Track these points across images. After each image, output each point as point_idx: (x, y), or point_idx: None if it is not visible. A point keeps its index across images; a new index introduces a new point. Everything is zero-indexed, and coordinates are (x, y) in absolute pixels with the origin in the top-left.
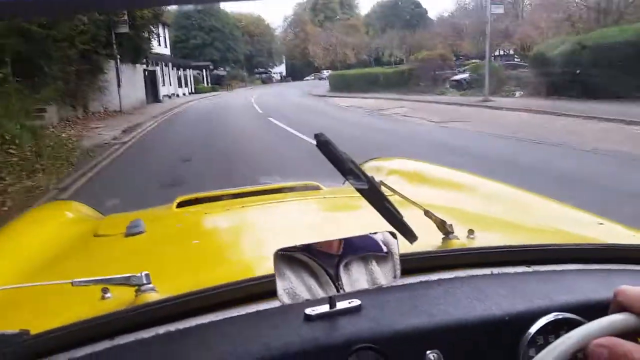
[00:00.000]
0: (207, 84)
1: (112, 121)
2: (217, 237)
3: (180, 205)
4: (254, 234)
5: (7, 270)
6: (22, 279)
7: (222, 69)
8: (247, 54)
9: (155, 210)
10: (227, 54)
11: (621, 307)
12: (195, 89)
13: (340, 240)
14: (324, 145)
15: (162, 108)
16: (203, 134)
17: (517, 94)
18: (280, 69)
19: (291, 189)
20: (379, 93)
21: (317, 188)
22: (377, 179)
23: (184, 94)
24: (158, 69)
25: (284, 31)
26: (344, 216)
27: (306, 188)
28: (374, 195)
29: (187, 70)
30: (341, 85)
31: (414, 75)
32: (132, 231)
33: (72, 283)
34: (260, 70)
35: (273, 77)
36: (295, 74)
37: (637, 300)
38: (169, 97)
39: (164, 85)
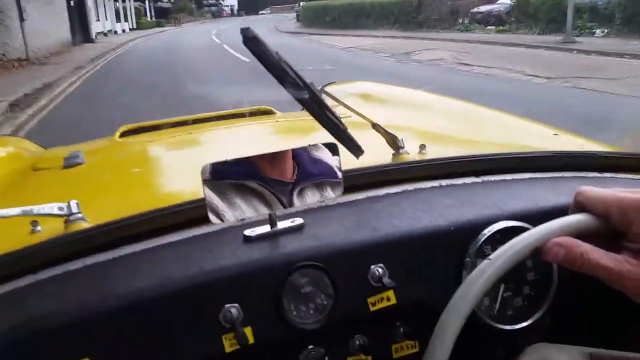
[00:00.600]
0: (151, 18)
1: (4, 79)
2: (159, 164)
3: (123, 135)
4: (199, 159)
5: None
6: None
7: (166, 0)
8: None
9: (97, 141)
10: None
11: (581, 208)
12: (136, 23)
13: (298, 149)
14: (252, 42)
15: (94, 51)
16: (162, 102)
17: (598, 31)
18: (230, 1)
19: (243, 115)
20: (373, 30)
21: (271, 112)
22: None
23: (123, 31)
24: None
25: None
26: (296, 139)
27: (259, 113)
28: (315, 104)
29: (127, 1)
30: (318, 20)
31: (423, 4)
32: (70, 162)
33: None
34: (210, 2)
35: (224, 10)
36: (247, 7)
37: (597, 201)
38: (105, 34)
39: (98, 20)
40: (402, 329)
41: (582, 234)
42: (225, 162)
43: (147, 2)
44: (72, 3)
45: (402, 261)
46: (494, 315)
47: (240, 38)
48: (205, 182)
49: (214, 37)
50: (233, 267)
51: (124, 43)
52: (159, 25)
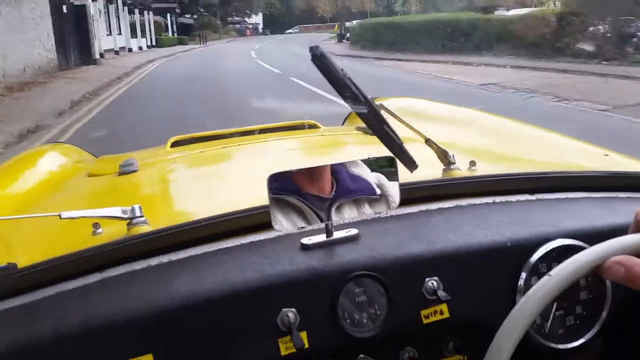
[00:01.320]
0: (172, 34)
1: None
2: (211, 172)
3: (174, 145)
4: (249, 169)
5: None
6: (12, 214)
7: (188, 16)
8: None
9: (149, 150)
10: None
11: None
12: (156, 40)
13: (337, 165)
14: (319, 60)
15: (92, 80)
16: None
17: None
18: (256, 19)
19: (288, 128)
20: (474, 56)
21: (315, 127)
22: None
23: (140, 48)
24: (91, 3)
25: None
26: (342, 152)
27: (304, 127)
28: (374, 118)
29: (146, 13)
30: (378, 41)
31: (567, 25)
32: (125, 169)
33: (59, 216)
34: (236, 19)
35: (248, 29)
36: (272, 26)
37: None
38: (116, 52)
39: (109, 34)
40: (452, 344)
41: None
42: (288, 172)
43: (168, 17)
44: (64, 9)
45: (457, 275)
46: (545, 333)
47: (301, 66)
48: (269, 190)
49: (261, 63)
50: (291, 273)
51: (139, 67)
52: (181, 42)
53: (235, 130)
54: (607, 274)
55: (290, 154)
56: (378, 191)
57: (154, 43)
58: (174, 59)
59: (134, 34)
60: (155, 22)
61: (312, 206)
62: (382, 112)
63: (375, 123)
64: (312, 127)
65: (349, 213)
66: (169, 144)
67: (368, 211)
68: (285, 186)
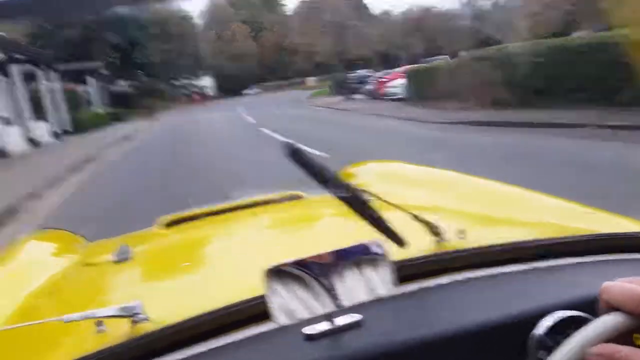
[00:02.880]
0: (104, 106)
1: None
2: (205, 257)
3: (165, 226)
4: (243, 251)
5: None
6: (14, 317)
7: (121, 81)
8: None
9: (140, 233)
10: (132, 52)
11: (609, 306)
12: (73, 121)
13: (332, 252)
14: (295, 155)
15: None
16: None
17: None
18: (205, 81)
19: (274, 201)
20: None
21: (300, 197)
22: (359, 181)
23: (37, 142)
24: None
25: (202, 30)
26: (331, 224)
27: (290, 198)
28: (356, 202)
29: (51, 76)
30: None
31: None
32: (120, 257)
33: (63, 320)
34: (184, 82)
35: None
36: (224, 87)
37: (623, 298)
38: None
39: None
40: None
41: (617, 334)
42: (285, 264)
43: (95, 84)
44: None
45: (463, 358)
46: None
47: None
48: (267, 282)
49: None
50: None
51: None
52: (116, 118)
53: (223, 207)
54: None
55: (280, 230)
56: (380, 250)
57: (69, 128)
58: (99, 176)
59: (39, 114)
60: (69, 92)
61: (313, 274)
62: (364, 194)
63: (358, 207)
64: (297, 198)
65: (351, 277)
66: (159, 225)
67: (371, 274)
68: (271, 276)
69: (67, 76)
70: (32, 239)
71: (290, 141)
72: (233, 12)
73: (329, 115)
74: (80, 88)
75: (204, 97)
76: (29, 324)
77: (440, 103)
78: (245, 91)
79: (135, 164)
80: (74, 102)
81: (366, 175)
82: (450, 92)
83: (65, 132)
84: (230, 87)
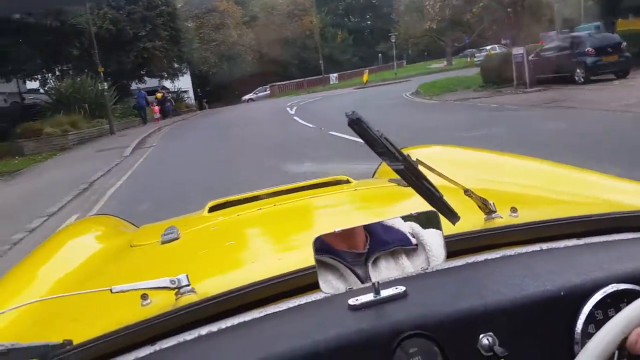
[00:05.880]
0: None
1: None
2: (251, 236)
3: (211, 209)
4: (288, 230)
5: (47, 284)
6: (63, 291)
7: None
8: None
9: (187, 217)
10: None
11: None
12: None
13: (380, 223)
14: (356, 124)
15: None
16: None
17: None
18: (183, 82)
19: (322, 185)
20: None
21: (347, 182)
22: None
23: None
24: None
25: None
26: (379, 206)
27: (336, 182)
28: (412, 174)
29: None
30: None
31: None
32: (167, 238)
33: (110, 290)
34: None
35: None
36: (210, 92)
37: None
38: None
39: None
40: None
41: None
42: (332, 234)
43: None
44: None
45: (512, 329)
46: None
47: None
48: (316, 252)
49: None
50: (342, 337)
51: None
52: (9, 151)
53: (270, 191)
54: (636, 348)
55: (327, 211)
56: (414, 241)
57: None
58: None
59: None
60: None
61: (347, 264)
62: (419, 166)
63: (413, 179)
64: (345, 182)
65: (386, 266)
66: (207, 208)
67: (405, 263)
68: (319, 246)
69: None
70: (84, 223)
71: (353, 112)
72: None
73: None
74: None
75: (166, 109)
76: (79, 293)
77: None
78: (246, 96)
79: None
80: None
81: (420, 156)
82: None
83: None
84: (221, 92)
